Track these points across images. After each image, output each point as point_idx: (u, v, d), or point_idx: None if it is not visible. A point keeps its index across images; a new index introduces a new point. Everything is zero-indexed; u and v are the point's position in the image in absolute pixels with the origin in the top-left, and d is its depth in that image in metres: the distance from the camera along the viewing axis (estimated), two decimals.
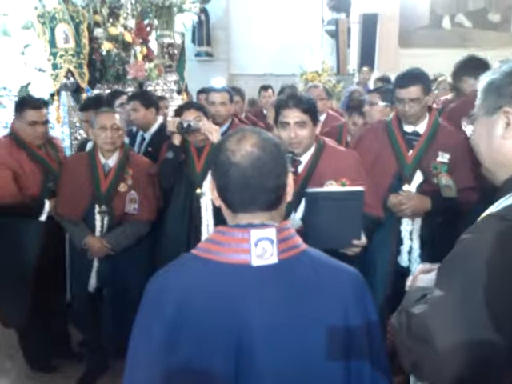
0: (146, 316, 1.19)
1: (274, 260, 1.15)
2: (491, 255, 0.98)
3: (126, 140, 3.53)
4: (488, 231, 1.03)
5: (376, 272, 2.78)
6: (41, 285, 2.99)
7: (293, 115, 2.34)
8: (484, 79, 1.18)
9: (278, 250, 1.16)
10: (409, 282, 1.38)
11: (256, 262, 1.15)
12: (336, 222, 2.00)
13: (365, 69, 8.16)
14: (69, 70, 4.00)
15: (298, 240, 1.23)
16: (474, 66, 3.39)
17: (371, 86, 7.11)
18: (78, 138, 3.62)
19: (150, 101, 3.78)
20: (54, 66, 3.97)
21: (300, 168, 2.44)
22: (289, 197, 1.25)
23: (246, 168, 1.16)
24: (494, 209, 1.10)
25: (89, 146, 3.48)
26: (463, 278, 1.01)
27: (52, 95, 4.00)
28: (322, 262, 1.23)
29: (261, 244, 1.15)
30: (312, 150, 2.46)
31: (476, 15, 9.09)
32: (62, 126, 4.01)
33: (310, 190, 2.10)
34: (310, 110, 2.36)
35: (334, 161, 2.44)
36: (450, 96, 4.18)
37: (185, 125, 2.86)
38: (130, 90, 4.56)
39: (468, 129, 1.25)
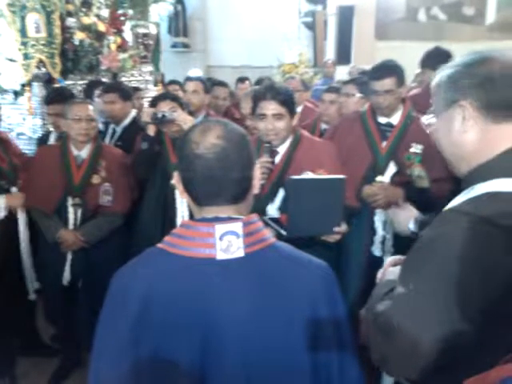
0: (111, 312, 1.18)
1: (240, 254, 1.14)
2: (454, 251, 0.99)
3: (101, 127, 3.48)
4: (449, 226, 1.04)
5: (350, 262, 2.81)
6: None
7: (270, 107, 2.33)
8: (440, 73, 1.19)
9: (244, 243, 1.14)
10: (379, 274, 1.39)
11: (221, 255, 1.13)
12: (318, 209, 2.01)
13: (329, 61, 8.18)
14: (40, 60, 3.92)
15: (266, 233, 1.21)
16: (434, 59, 3.48)
17: (337, 77, 7.14)
18: (51, 129, 3.56)
19: (128, 93, 3.73)
20: (25, 56, 3.89)
21: (277, 158, 2.45)
22: (255, 189, 1.24)
23: (210, 160, 1.14)
24: (455, 203, 1.11)
25: (51, 138, 3.43)
26: (428, 274, 1.01)
27: (23, 86, 3.92)
28: (290, 256, 1.22)
29: (226, 238, 1.14)
30: (289, 140, 2.47)
31: (451, 8, 9.18)
32: (33, 118, 3.93)
33: (293, 177, 2.09)
34: (288, 101, 2.36)
35: (311, 152, 2.45)
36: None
37: (159, 115, 2.84)
38: (105, 80, 4.49)
39: (428, 123, 1.26)
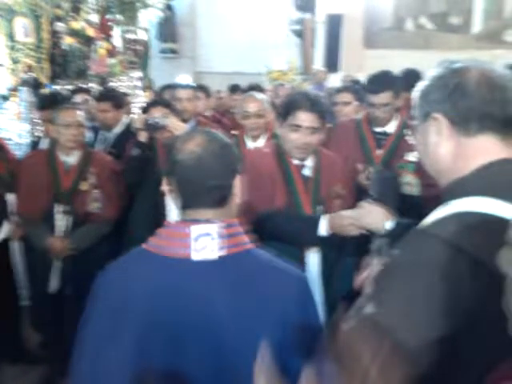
0: (93, 310, 1.24)
1: (214, 255, 1.18)
2: (419, 276, 0.96)
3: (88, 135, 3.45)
4: (416, 249, 1.01)
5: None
6: None
7: (308, 119, 2.09)
8: (418, 87, 1.16)
9: (219, 245, 1.18)
10: (358, 281, 1.37)
11: (195, 256, 1.18)
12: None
13: (320, 69, 8.23)
14: (28, 65, 3.88)
15: (245, 239, 1.25)
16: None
17: (329, 85, 7.16)
18: (40, 135, 3.52)
19: (121, 101, 3.71)
20: (13, 60, 3.85)
21: (307, 172, 2.23)
22: (237, 199, 1.28)
23: (187, 166, 1.21)
24: (429, 220, 1.07)
25: (42, 143, 3.39)
26: (395, 299, 0.98)
27: (11, 90, 3.87)
28: (265, 262, 1.26)
29: (201, 239, 1.18)
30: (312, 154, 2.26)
31: (438, 18, 9.29)
32: (21, 123, 3.88)
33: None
34: (324, 114, 2.17)
35: (329, 164, 2.32)
36: None
37: (151, 122, 2.82)
38: (93, 85, 4.46)
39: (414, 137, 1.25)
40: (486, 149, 1.05)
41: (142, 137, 2.89)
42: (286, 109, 2.18)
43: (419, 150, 1.19)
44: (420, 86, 1.15)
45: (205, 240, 1.18)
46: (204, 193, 1.22)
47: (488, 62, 1.12)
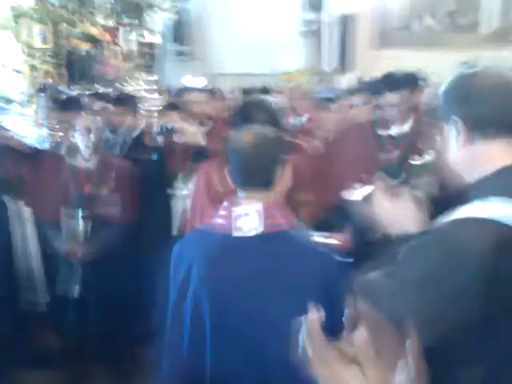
0: (168, 275, 1.58)
1: (252, 233, 1.41)
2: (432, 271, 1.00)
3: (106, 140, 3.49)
4: (431, 247, 1.04)
5: None
6: None
7: None
8: (441, 89, 1.17)
9: (259, 225, 1.41)
10: None
11: (236, 233, 1.42)
12: None
13: (332, 70, 8.21)
14: (47, 71, 3.94)
15: (283, 220, 1.46)
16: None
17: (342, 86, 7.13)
18: (59, 140, 3.56)
19: (137, 105, 3.75)
20: (33, 68, 3.91)
21: None
22: (282, 185, 1.53)
23: (242, 154, 1.49)
24: (449, 217, 1.08)
25: (63, 148, 3.42)
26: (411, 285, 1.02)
27: (30, 97, 3.94)
28: (300, 241, 1.47)
29: (242, 219, 1.42)
30: None
31: (448, 17, 9.23)
32: (39, 128, 3.94)
33: None
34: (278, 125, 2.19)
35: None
36: None
37: (166, 127, 2.86)
38: (108, 90, 4.51)
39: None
40: (501, 153, 1.07)
41: (158, 141, 2.92)
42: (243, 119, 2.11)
43: (441, 151, 1.20)
44: (442, 89, 1.17)
45: (244, 220, 1.41)
46: (253, 176, 1.48)
47: (505, 65, 1.13)
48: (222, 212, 1.49)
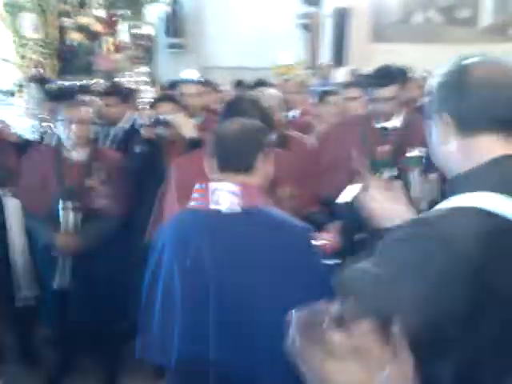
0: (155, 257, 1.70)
1: (234, 208, 1.52)
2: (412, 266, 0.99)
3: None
4: (411, 241, 1.02)
5: None
6: None
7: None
8: (432, 80, 1.16)
9: (238, 201, 1.51)
10: None
11: (214, 207, 1.53)
12: None
13: (325, 63, 8.20)
14: (36, 61, 3.89)
15: (260, 199, 1.57)
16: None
17: (333, 79, 7.10)
18: (49, 131, 3.53)
19: (128, 96, 3.71)
20: (23, 57, 3.86)
21: None
22: (262, 171, 1.61)
23: (223, 138, 1.62)
24: (429, 212, 1.08)
25: (47, 138, 3.38)
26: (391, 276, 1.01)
27: (19, 86, 3.89)
28: (277, 216, 1.58)
29: (219, 194, 1.52)
30: None
31: (445, 11, 9.21)
32: (29, 119, 3.90)
33: None
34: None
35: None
36: None
37: (155, 119, 2.82)
38: (100, 81, 4.47)
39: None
40: (490, 148, 1.05)
41: (146, 133, 2.88)
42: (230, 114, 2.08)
43: (431, 146, 1.20)
44: (432, 81, 1.15)
45: (221, 194, 1.52)
46: (236, 159, 1.58)
47: (498, 57, 1.10)
48: (198, 190, 1.59)
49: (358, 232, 2.28)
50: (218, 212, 1.51)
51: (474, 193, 1.01)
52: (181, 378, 1.62)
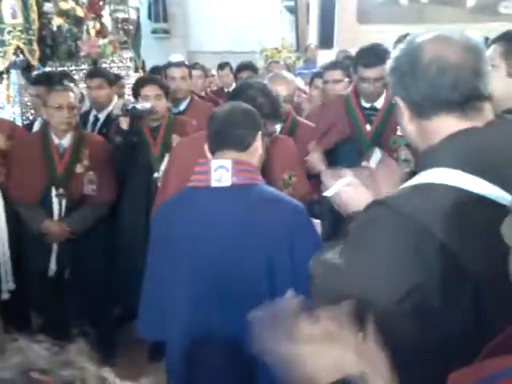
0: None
1: (228, 183, 1.58)
2: (379, 246, 1.02)
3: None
4: (374, 221, 1.05)
5: None
6: None
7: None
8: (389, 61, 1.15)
9: (232, 176, 1.57)
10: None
11: (214, 184, 1.59)
12: None
13: (312, 46, 8.14)
14: (18, 47, 3.80)
15: (255, 175, 1.65)
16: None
17: (320, 61, 7.05)
18: (30, 118, 3.46)
19: (113, 78, 3.65)
20: (2, 43, 3.77)
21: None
22: (259, 150, 1.68)
23: (219, 117, 1.68)
24: (395, 192, 1.10)
25: (36, 125, 3.32)
26: (359, 262, 1.05)
27: (1, 73, 3.81)
28: (270, 193, 1.65)
29: (219, 171, 1.58)
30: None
31: None
32: (12, 106, 3.82)
33: None
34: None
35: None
36: None
37: (129, 107, 2.73)
38: (84, 67, 4.39)
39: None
40: (445, 128, 1.05)
41: (123, 123, 2.78)
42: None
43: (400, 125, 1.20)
44: (387, 66, 1.14)
45: (221, 171, 1.57)
46: (229, 137, 1.63)
47: (452, 34, 1.07)
48: (199, 169, 1.65)
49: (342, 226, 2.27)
50: (214, 188, 1.59)
51: (434, 169, 1.02)
52: (185, 351, 1.65)
